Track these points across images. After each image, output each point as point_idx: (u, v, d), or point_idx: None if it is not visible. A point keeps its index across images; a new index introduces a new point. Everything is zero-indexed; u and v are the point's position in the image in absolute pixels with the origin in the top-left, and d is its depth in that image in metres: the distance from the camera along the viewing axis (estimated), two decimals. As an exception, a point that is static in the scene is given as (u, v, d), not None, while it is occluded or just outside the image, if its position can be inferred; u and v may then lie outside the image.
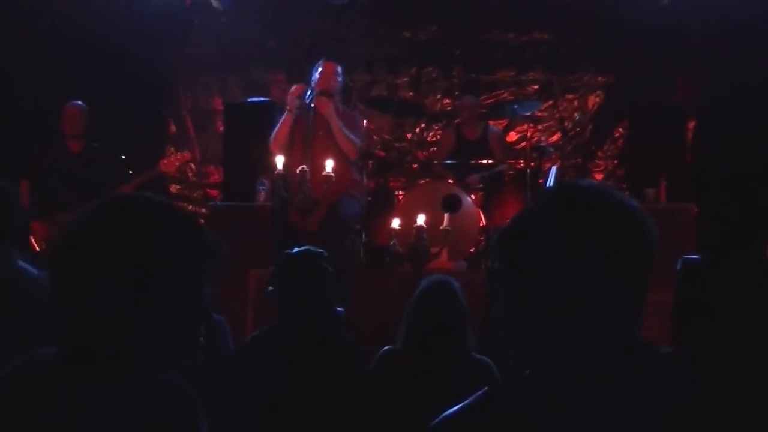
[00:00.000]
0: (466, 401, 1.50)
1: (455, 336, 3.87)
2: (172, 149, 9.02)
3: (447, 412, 1.50)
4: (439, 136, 9.47)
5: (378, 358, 3.99)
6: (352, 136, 6.52)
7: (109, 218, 1.61)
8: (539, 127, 9.46)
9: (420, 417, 1.52)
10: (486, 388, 1.51)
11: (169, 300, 1.59)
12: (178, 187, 9.93)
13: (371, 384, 3.90)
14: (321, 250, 3.95)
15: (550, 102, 9.45)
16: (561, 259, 1.45)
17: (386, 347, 4.02)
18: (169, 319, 1.60)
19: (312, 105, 6.45)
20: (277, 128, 6.65)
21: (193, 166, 9.89)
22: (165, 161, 7.50)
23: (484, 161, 8.00)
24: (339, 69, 6.77)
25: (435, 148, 9.24)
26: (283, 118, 6.65)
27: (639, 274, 1.49)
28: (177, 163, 7.57)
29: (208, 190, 9.91)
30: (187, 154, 7.79)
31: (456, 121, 9.06)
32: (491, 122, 9.04)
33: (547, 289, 1.46)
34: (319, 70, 6.67)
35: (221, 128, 9.50)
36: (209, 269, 1.66)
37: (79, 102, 7.62)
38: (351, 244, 6.88)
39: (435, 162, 8.45)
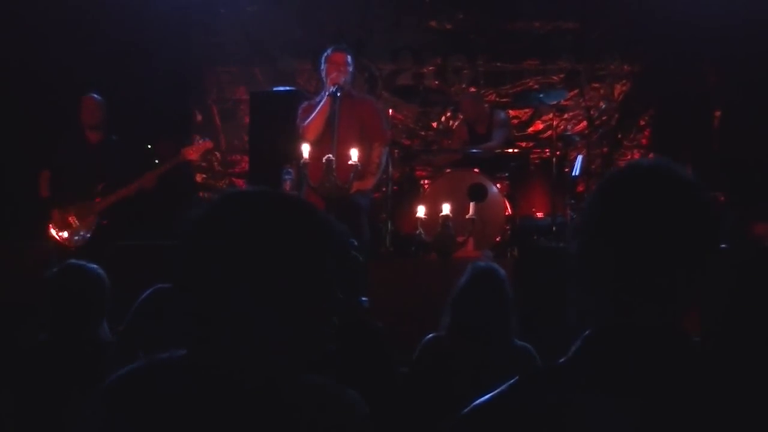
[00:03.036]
0: (498, 389, 1.49)
1: (501, 324, 3.86)
2: (198, 138, 9.05)
3: (478, 401, 1.49)
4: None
5: (422, 346, 3.99)
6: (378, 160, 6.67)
7: (234, 218, 1.57)
8: (565, 116, 9.42)
9: (463, 403, 1.52)
10: (518, 376, 1.50)
11: (298, 295, 1.55)
12: (204, 176, 9.98)
13: (415, 370, 3.90)
14: (351, 240, 3.96)
15: (576, 91, 9.41)
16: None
17: (430, 335, 4.02)
18: (299, 315, 1.56)
19: (338, 94, 6.46)
20: (313, 116, 6.64)
21: (218, 155, 9.93)
22: (188, 149, 7.55)
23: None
24: (348, 58, 6.75)
25: (449, 141, 9.25)
26: (320, 107, 6.63)
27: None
28: (200, 151, 7.62)
29: (233, 180, 9.95)
30: (209, 143, 7.81)
31: (460, 117, 9.10)
32: (512, 111, 9.04)
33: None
34: (328, 60, 6.68)
35: (247, 117, 9.52)
36: (336, 262, 1.62)
37: (96, 95, 7.70)
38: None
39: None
